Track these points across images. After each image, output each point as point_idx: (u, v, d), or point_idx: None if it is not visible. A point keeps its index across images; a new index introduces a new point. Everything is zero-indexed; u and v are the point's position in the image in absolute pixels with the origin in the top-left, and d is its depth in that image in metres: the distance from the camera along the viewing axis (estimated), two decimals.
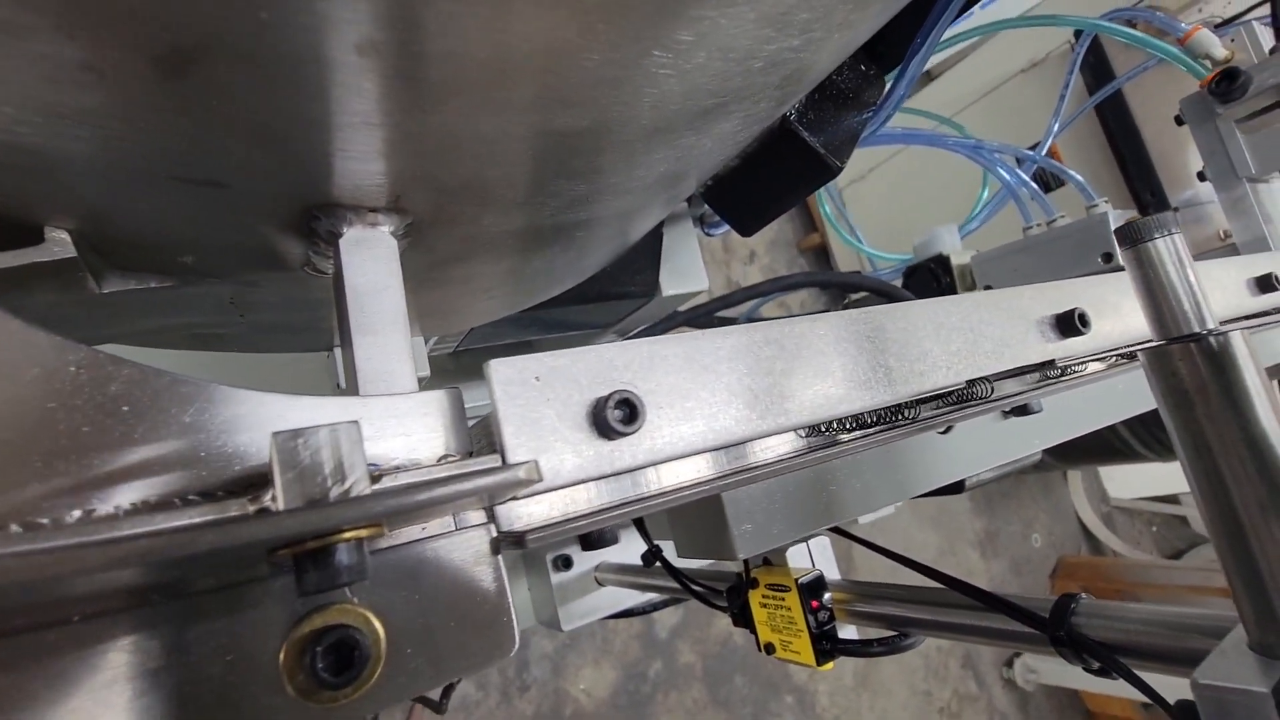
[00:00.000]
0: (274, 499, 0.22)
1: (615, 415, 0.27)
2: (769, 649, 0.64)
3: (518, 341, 0.88)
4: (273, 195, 0.27)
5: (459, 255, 0.38)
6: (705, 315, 0.85)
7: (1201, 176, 0.90)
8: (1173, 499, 3.32)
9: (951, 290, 1.09)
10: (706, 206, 0.79)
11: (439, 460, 0.28)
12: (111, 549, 0.16)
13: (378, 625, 0.24)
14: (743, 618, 0.67)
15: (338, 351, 0.49)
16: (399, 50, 0.20)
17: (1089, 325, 0.45)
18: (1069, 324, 0.44)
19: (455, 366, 0.91)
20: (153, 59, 0.19)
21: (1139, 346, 0.33)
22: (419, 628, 0.25)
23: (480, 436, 0.29)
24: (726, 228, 0.95)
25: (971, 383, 0.39)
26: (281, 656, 0.22)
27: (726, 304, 0.87)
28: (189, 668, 0.21)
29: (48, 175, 0.25)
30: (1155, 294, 0.32)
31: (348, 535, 0.19)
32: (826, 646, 0.59)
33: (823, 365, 0.35)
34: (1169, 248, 0.32)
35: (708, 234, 1.02)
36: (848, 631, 0.63)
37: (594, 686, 2.07)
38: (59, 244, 0.28)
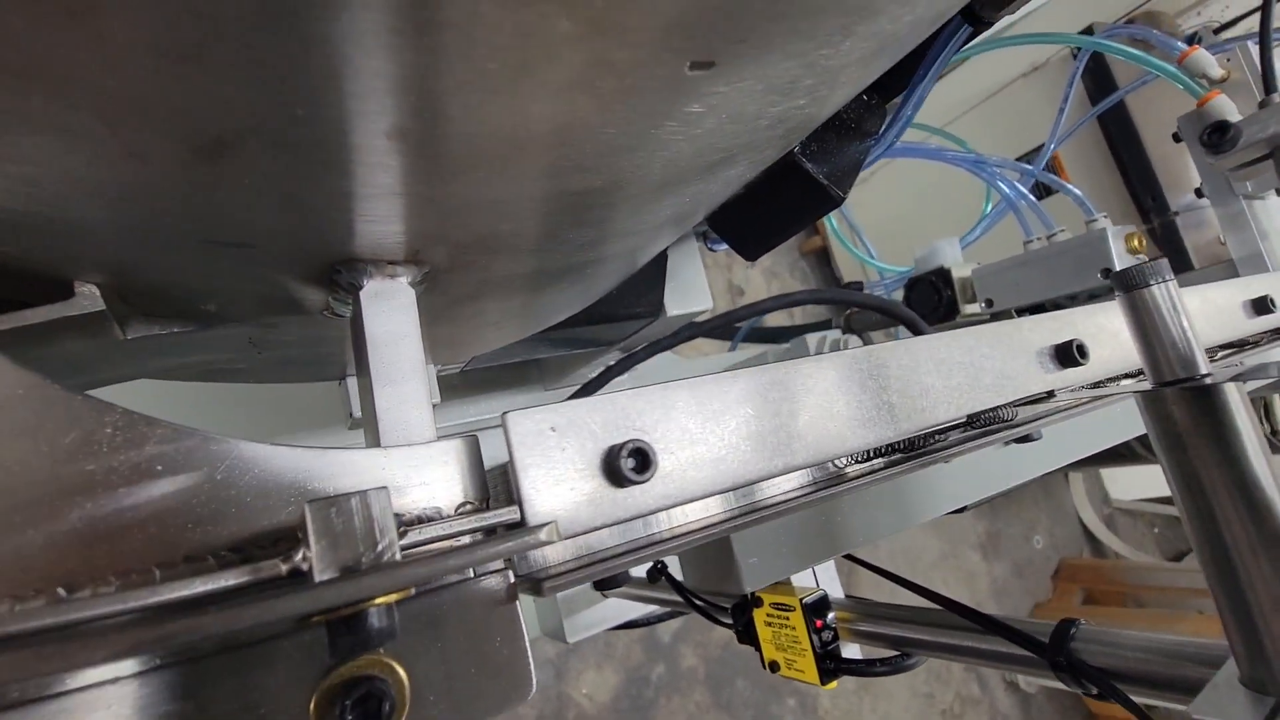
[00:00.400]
0: (305, 560, 0.23)
1: (628, 464, 0.28)
2: (774, 667, 0.65)
3: (524, 360, 0.89)
4: (297, 254, 0.28)
5: (472, 295, 0.39)
6: (716, 328, 0.86)
7: (1199, 193, 0.91)
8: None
9: (952, 303, 1.10)
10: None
11: (457, 508, 0.29)
12: (156, 628, 0.16)
13: (402, 674, 0.25)
14: (747, 635, 0.68)
15: (350, 382, 0.50)
16: (425, 134, 0.21)
17: (1087, 356, 0.46)
18: (1068, 355, 0.45)
19: (463, 382, 0.92)
20: (194, 147, 0.20)
21: (1134, 389, 0.34)
22: (440, 674, 0.26)
23: (498, 482, 0.30)
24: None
25: (977, 416, 0.40)
26: (312, 708, 0.23)
27: (732, 318, 0.89)
28: None
29: (81, 239, 0.26)
30: (1150, 339, 0.33)
31: (379, 601, 0.20)
32: (830, 666, 0.60)
33: (827, 406, 0.36)
34: (1164, 294, 0.33)
35: (711, 249, 1.04)
36: (851, 650, 0.64)
37: (596, 691, 2.08)
38: (88, 298, 0.30)
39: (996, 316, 1.10)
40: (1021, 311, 1.11)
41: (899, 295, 1.31)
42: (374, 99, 0.19)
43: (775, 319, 2.19)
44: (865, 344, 1.13)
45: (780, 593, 0.65)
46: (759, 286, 3.03)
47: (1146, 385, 0.33)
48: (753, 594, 0.67)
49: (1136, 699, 0.40)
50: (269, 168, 0.22)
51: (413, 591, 0.23)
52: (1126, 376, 0.50)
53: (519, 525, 0.26)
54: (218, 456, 0.25)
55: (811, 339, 1.24)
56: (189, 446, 0.24)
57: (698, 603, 0.75)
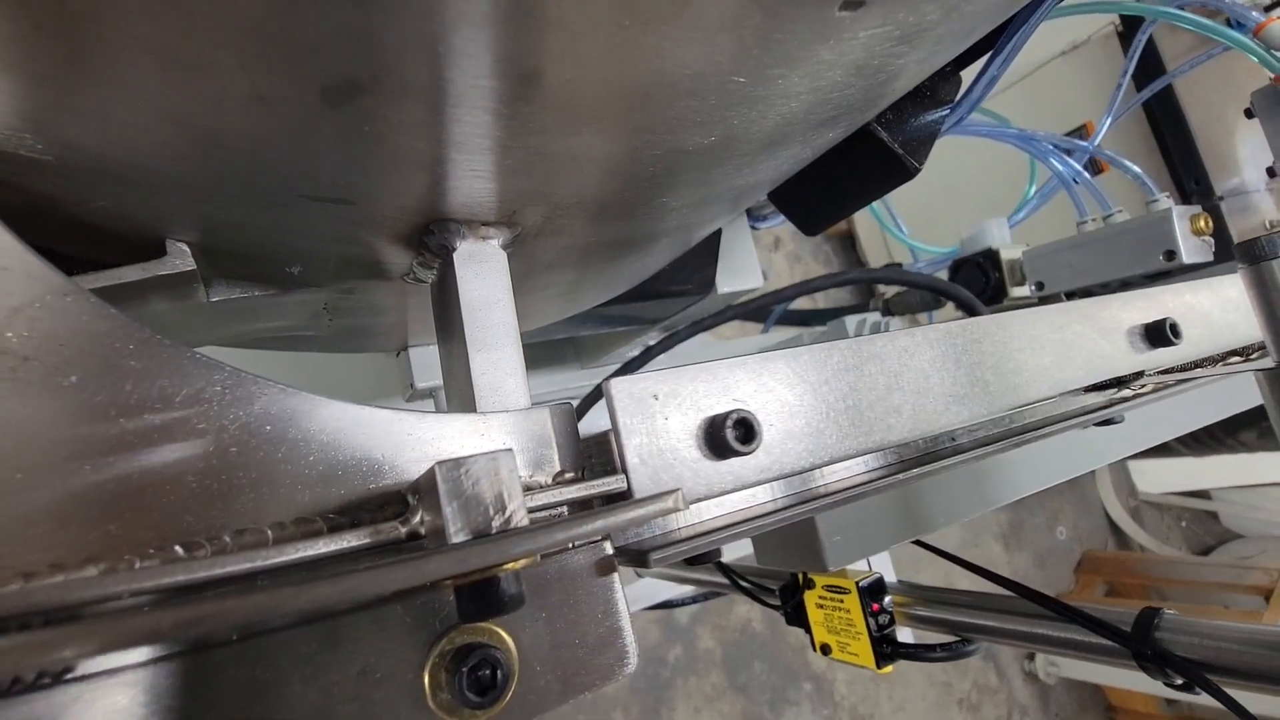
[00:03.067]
0: (422, 523, 0.22)
1: (733, 434, 0.27)
2: (825, 650, 0.65)
3: (565, 337, 0.88)
4: (395, 212, 0.27)
5: (549, 264, 0.38)
6: (759, 309, 0.85)
7: (1272, 172, 0.87)
8: (1204, 494, 3.26)
9: (1000, 286, 1.07)
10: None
11: (554, 476, 0.28)
12: (310, 590, 0.16)
13: (511, 643, 0.24)
14: (797, 618, 0.67)
15: (412, 352, 0.50)
16: (559, 80, 0.20)
17: (1180, 335, 0.44)
18: (1159, 334, 0.43)
19: None
20: (323, 90, 0.19)
21: (1255, 367, 0.32)
22: (546, 645, 0.25)
23: (594, 452, 0.29)
24: (774, 221, 0.94)
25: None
26: (426, 674, 0.22)
27: (780, 299, 0.87)
28: (340, 686, 0.21)
29: (180, 192, 0.25)
30: (1277, 314, 0.31)
31: (509, 566, 0.19)
32: (887, 650, 0.59)
33: (923, 381, 0.34)
34: None
35: (754, 227, 1.01)
36: (904, 634, 0.63)
37: None
38: (180, 256, 0.29)
39: (1046, 300, 1.07)
40: (1071, 295, 1.08)
41: (941, 277, 1.28)
42: (519, 37, 0.18)
43: (802, 302, 2.16)
44: (904, 325, 1.10)
45: (834, 574, 0.64)
46: (781, 270, 2.99)
47: (1269, 363, 0.32)
48: (804, 576, 0.66)
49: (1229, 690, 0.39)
50: (392, 115, 0.21)
51: (539, 559, 0.22)
52: (1217, 359, 0.48)
53: (624, 495, 0.26)
54: (325, 418, 0.24)
55: (850, 321, 1.21)
56: (295, 406, 0.24)
57: (744, 584, 0.75)
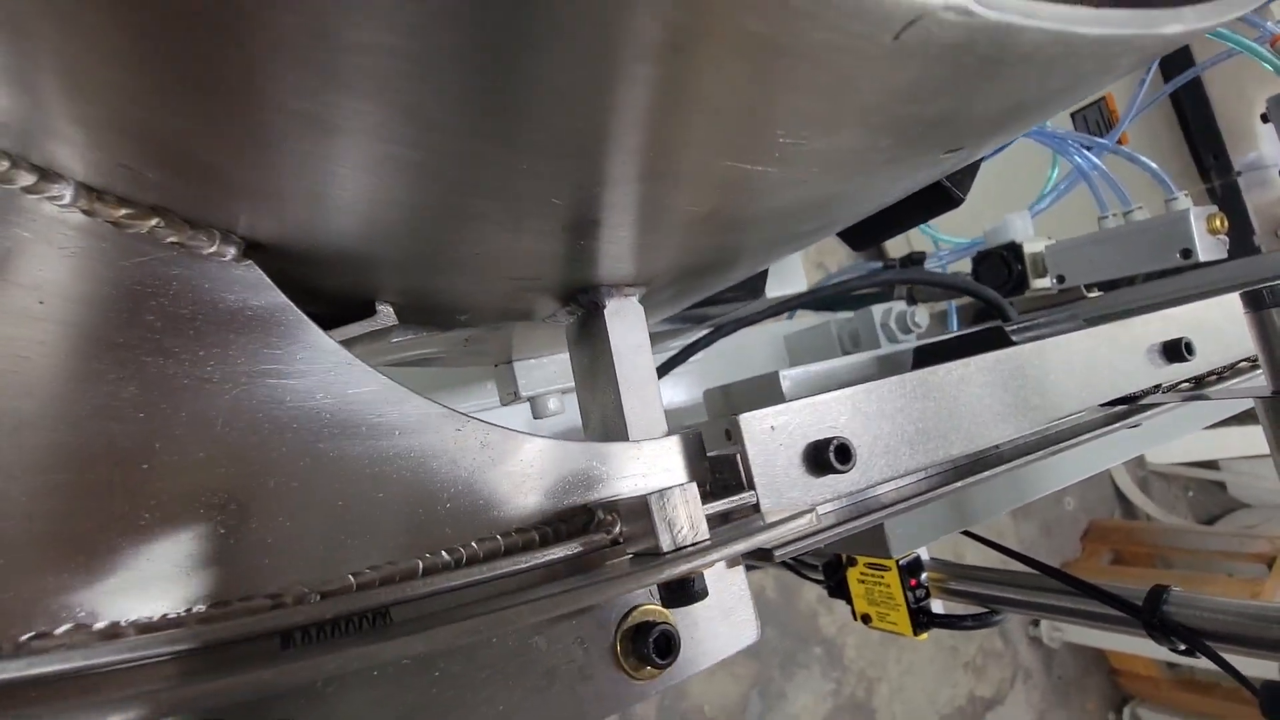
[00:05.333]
0: (622, 533, 0.30)
1: (835, 457, 0.35)
2: (865, 619, 0.73)
3: None
4: (565, 282, 0.34)
5: (661, 304, 0.45)
6: (800, 304, 0.91)
7: None
8: (1212, 464, 3.32)
9: (1022, 278, 1.12)
10: None
11: None
12: (596, 590, 0.23)
13: (673, 620, 0.32)
14: (839, 591, 0.76)
15: (517, 365, 0.57)
16: (728, 213, 0.27)
17: (1194, 353, 0.50)
18: (1176, 351, 0.50)
19: None
20: (566, 225, 0.26)
21: (1255, 393, 0.39)
22: (692, 621, 0.33)
23: (719, 468, 0.36)
24: None
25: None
26: (619, 643, 0.30)
27: (820, 293, 0.94)
28: (565, 650, 0.29)
29: (408, 276, 0.32)
30: (1275, 352, 0.37)
31: (700, 569, 0.27)
32: (923, 619, 0.67)
33: (975, 405, 0.41)
34: None
35: None
36: (935, 606, 0.71)
37: None
38: (387, 315, 0.36)
39: (1065, 292, 1.13)
40: (1090, 288, 1.14)
41: (958, 267, 1.34)
42: (725, 196, 0.24)
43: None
44: (928, 314, 1.15)
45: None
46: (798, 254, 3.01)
47: (1266, 391, 0.38)
48: (848, 555, 0.74)
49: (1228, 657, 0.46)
50: (603, 234, 0.27)
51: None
52: (1227, 368, 0.55)
53: (755, 507, 0.33)
54: (531, 450, 0.32)
55: (877, 310, 1.27)
56: (512, 442, 0.31)
57: (789, 561, 0.83)
